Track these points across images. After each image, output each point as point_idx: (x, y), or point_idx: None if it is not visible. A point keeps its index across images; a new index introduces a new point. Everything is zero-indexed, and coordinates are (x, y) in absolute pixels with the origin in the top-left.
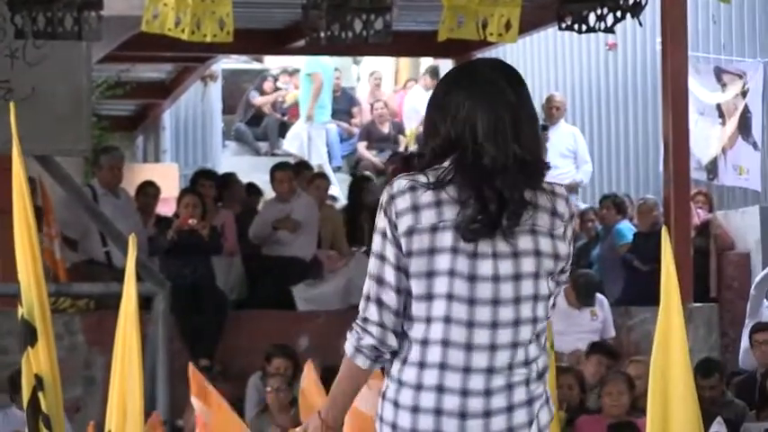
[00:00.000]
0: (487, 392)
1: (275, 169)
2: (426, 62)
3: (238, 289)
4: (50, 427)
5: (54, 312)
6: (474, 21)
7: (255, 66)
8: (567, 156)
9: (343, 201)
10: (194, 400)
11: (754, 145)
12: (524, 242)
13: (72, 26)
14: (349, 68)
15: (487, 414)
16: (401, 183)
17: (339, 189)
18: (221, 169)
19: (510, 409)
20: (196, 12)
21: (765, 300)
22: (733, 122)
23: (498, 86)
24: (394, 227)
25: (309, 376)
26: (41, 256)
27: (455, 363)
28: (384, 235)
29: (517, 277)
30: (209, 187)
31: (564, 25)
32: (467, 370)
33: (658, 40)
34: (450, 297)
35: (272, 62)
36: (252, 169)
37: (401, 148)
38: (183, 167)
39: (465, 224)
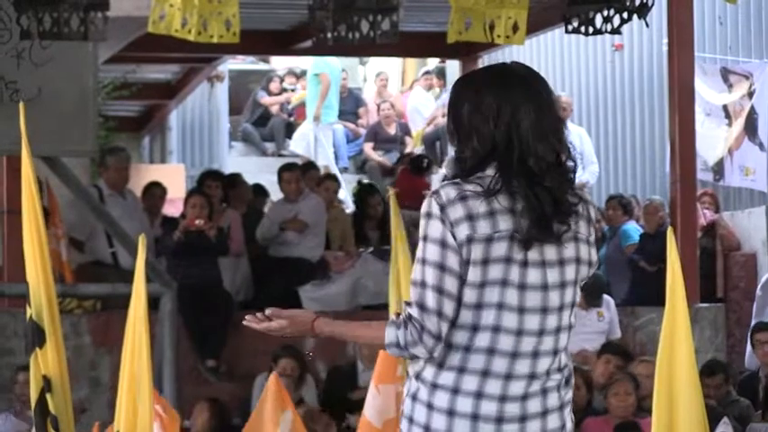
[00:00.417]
0: (524, 397)
1: (283, 170)
2: (425, 63)
3: (245, 289)
4: (59, 429)
5: (60, 313)
6: (481, 23)
7: (262, 66)
8: None
9: (348, 202)
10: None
11: (761, 146)
12: (569, 250)
13: (78, 27)
14: (355, 69)
15: (523, 419)
16: (449, 192)
17: (345, 191)
18: (228, 170)
19: (545, 413)
20: (203, 13)
21: None
22: (739, 123)
23: (535, 88)
24: (453, 236)
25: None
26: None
27: (498, 370)
28: (443, 244)
29: (563, 285)
30: (215, 188)
31: (570, 28)
32: (508, 377)
33: (665, 41)
34: (500, 306)
35: (279, 63)
36: (258, 170)
37: (408, 150)
38: (190, 168)
39: (524, 231)
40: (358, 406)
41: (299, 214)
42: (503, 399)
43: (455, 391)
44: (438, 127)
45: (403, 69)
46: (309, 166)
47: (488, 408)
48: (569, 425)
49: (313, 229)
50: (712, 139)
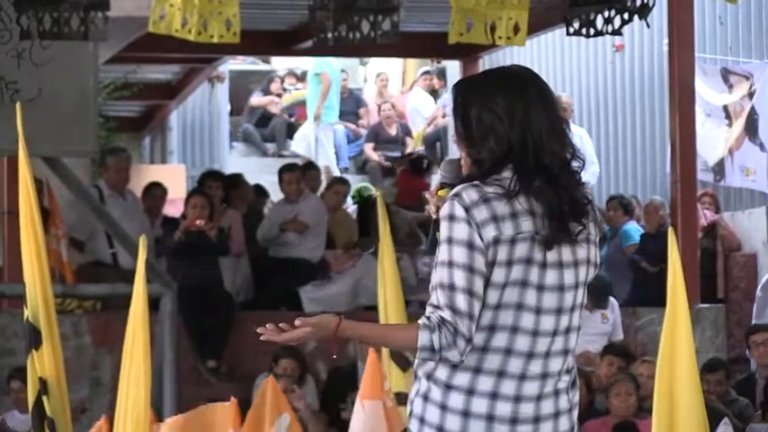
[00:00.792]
0: (539, 398)
1: (283, 170)
2: (426, 63)
3: (245, 290)
4: (56, 431)
5: (61, 313)
6: (482, 24)
7: (263, 67)
8: None
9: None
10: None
11: (761, 146)
12: (582, 251)
13: (78, 27)
14: (356, 70)
15: (537, 420)
16: (471, 194)
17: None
18: (228, 170)
19: (557, 415)
20: (203, 12)
21: None
22: (740, 124)
23: (540, 88)
24: (480, 237)
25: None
26: (48, 258)
27: (513, 370)
28: (471, 246)
29: (576, 286)
30: (216, 188)
31: (572, 30)
32: (522, 377)
33: (665, 41)
34: (519, 307)
35: (280, 63)
36: (259, 170)
37: (408, 150)
38: (190, 168)
39: (545, 232)
40: None
41: (299, 215)
42: (517, 399)
43: (470, 392)
44: (438, 127)
45: (404, 70)
46: (309, 166)
47: (503, 408)
48: (576, 427)
49: (313, 229)
50: (713, 140)
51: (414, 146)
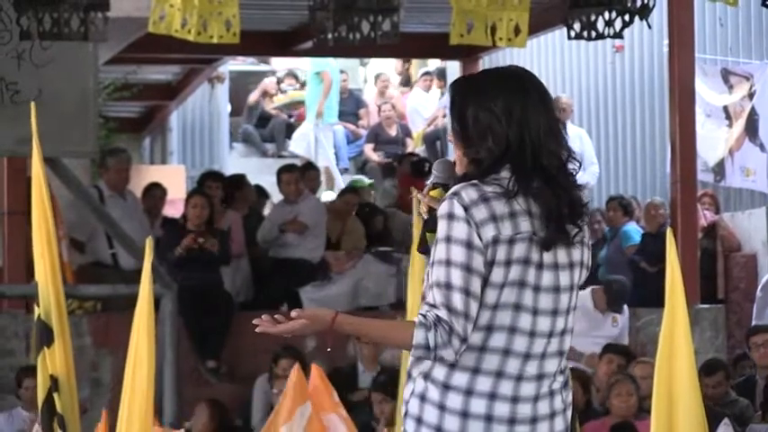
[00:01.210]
0: (536, 398)
1: (282, 171)
2: (426, 64)
3: (245, 291)
4: (65, 428)
5: None
6: (483, 25)
7: (263, 67)
8: None
9: None
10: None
11: (761, 147)
12: (577, 253)
13: (78, 27)
14: (356, 70)
15: (534, 420)
16: (470, 193)
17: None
18: (228, 171)
19: (552, 415)
20: (203, 13)
21: None
22: (740, 124)
23: (537, 88)
24: (479, 236)
25: (316, 379)
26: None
27: (511, 371)
28: (469, 245)
29: (571, 288)
30: (215, 189)
31: (573, 34)
32: (519, 378)
33: (665, 42)
34: (517, 307)
35: (279, 64)
36: (259, 171)
37: (408, 151)
38: (190, 169)
39: (542, 232)
40: (358, 407)
41: (298, 215)
42: (515, 400)
43: (469, 392)
44: (438, 127)
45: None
46: (308, 166)
47: (502, 409)
48: (568, 428)
49: (313, 230)
50: (713, 140)
51: (414, 146)
